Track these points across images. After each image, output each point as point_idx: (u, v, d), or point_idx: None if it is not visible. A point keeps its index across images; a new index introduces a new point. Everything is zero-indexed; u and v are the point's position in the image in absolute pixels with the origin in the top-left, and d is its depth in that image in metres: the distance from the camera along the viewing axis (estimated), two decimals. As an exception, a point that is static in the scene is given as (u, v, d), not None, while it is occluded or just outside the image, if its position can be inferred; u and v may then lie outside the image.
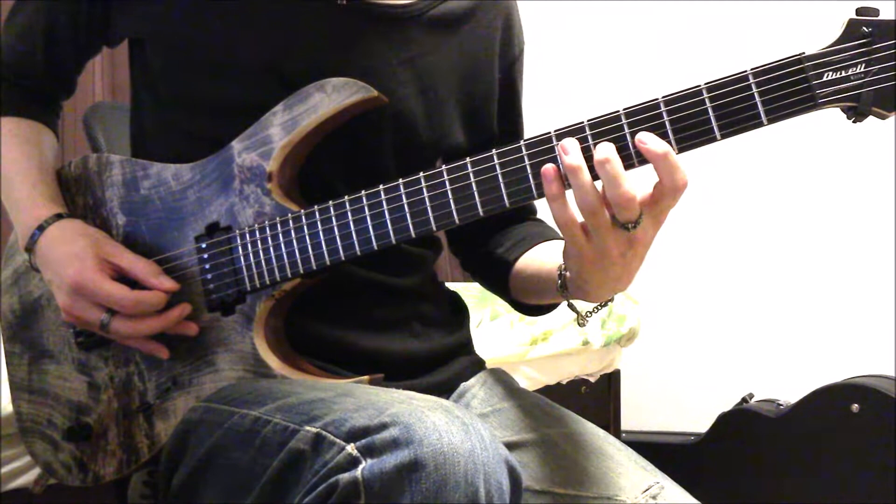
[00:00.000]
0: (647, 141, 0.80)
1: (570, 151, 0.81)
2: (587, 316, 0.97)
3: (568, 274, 0.92)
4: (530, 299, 1.09)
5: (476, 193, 0.88)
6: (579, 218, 0.83)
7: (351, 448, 0.73)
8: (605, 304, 0.95)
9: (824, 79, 0.78)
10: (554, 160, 0.85)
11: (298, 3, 0.98)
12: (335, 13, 0.99)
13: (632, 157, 0.82)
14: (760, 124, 0.80)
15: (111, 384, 1.03)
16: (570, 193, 0.83)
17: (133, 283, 0.97)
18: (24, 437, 1.10)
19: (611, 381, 2.37)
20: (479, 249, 1.15)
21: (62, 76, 1.13)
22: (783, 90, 0.79)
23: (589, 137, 0.83)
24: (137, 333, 0.97)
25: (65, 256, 0.98)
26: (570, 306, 0.96)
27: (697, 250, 2.72)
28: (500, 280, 1.11)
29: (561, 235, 1.06)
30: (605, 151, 0.80)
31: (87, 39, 1.08)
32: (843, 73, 0.78)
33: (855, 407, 2.02)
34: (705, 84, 0.81)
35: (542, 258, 1.03)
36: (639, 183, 0.82)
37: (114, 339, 0.99)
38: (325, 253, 0.94)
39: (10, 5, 1.11)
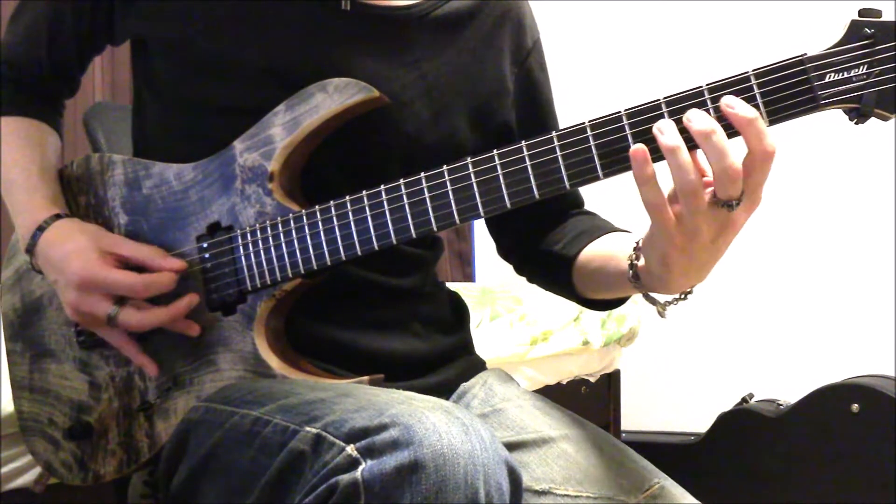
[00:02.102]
0: (736, 105, 0.78)
1: (666, 132, 0.78)
2: (666, 306, 0.92)
3: (640, 264, 0.89)
4: (598, 294, 1.05)
5: (477, 193, 0.88)
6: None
7: (351, 449, 0.73)
8: (685, 297, 0.91)
9: (826, 80, 0.78)
10: (552, 161, 0.85)
11: (301, 7, 0.98)
12: (338, 17, 0.99)
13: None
14: (762, 125, 0.80)
15: (112, 383, 1.03)
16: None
17: (137, 272, 0.97)
18: (24, 436, 1.10)
19: (611, 381, 2.37)
20: (534, 250, 1.12)
21: (66, 75, 1.13)
22: (785, 91, 0.79)
23: (591, 138, 0.83)
24: (146, 324, 0.96)
25: (67, 254, 0.98)
26: (648, 297, 0.92)
27: (698, 250, 2.71)
28: (561, 277, 1.07)
29: (618, 227, 1.05)
30: (708, 122, 0.77)
31: (91, 38, 1.08)
32: (845, 75, 0.78)
33: (855, 407, 2.02)
34: (707, 85, 0.80)
35: (609, 251, 1.00)
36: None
37: (113, 340, 0.99)
38: (326, 253, 0.94)
39: (11, 5, 1.11)
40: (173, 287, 0.97)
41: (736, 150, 0.77)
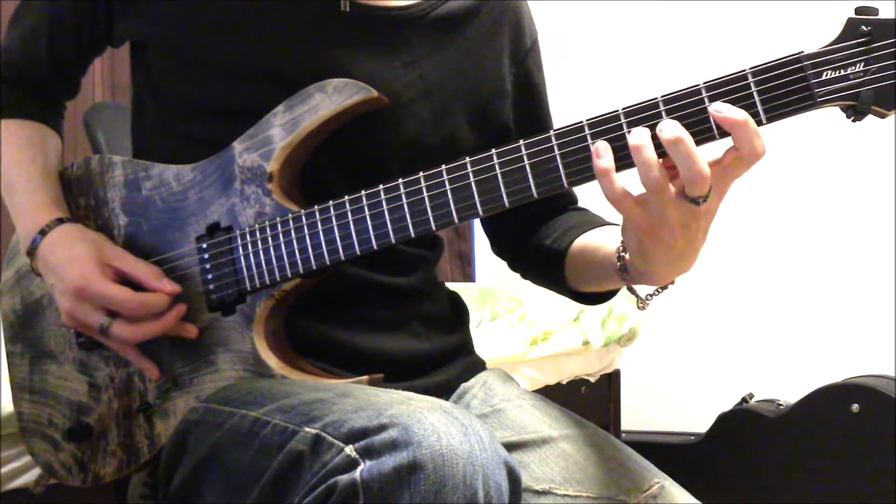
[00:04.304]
0: (724, 109, 0.78)
1: (634, 133, 0.80)
2: (647, 299, 0.93)
3: (627, 256, 0.90)
4: (588, 287, 1.06)
5: (475, 193, 0.88)
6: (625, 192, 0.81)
7: (350, 449, 0.73)
8: (666, 288, 0.92)
9: (823, 78, 0.78)
10: (550, 160, 0.85)
11: (301, 8, 0.99)
12: (337, 18, 0.99)
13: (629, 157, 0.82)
14: (759, 123, 0.79)
15: (112, 384, 1.03)
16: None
17: (134, 286, 0.97)
18: (24, 436, 1.10)
19: (611, 381, 2.37)
20: (526, 245, 1.13)
21: (66, 77, 1.13)
22: (782, 89, 0.79)
23: (588, 137, 0.83)
24: (137, 337, 0.97)
25: (66, 261, 0.98)
26: (630, 290, 0.93)
27: (697, 250, 2.71)
28: (553, 272, 1.08)
29: (608, 221, 1.05)
30: (676, 130, 0.78)
31: (91, 41, 1.08)
32: (843, 72, 0.78)
33: (855, 407, 2.02)
34: (704, 83, 0.80)
35: (598, 243, 1.01)
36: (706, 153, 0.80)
37: (112, 344, 0.99)
38: (325, 253, 0.94)
39: (10, 6, 1.11)
40: (165, 309, 0.97)
41: (704, 155, 0.78)
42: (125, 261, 0.99)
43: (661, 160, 0.79)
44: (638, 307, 0.93)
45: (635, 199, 0.81)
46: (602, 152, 0.81)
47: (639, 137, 0.79)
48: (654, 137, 0.79)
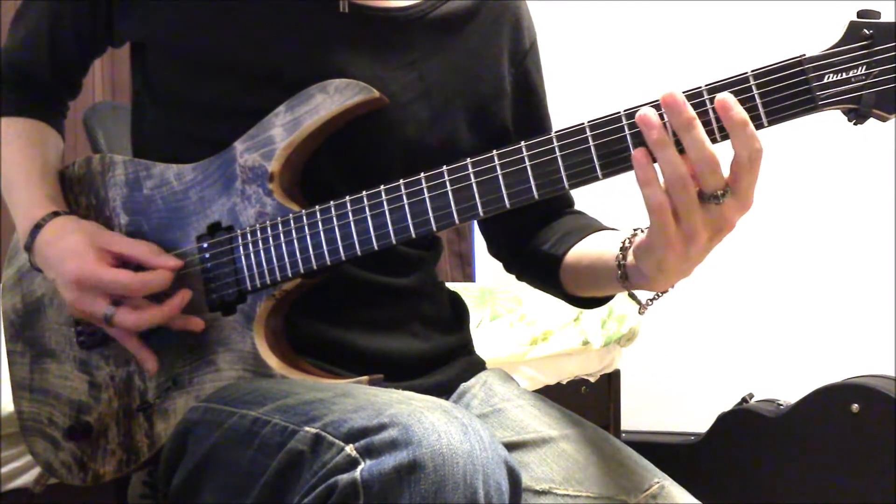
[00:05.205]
0: (732, 106, 0.78)
1: (655, 126, 0.79)
2: (648, 304, 0.94)
3: (627, 262, 0.90)
4: (585, 292, 1.06)
5: (476, 194, 0.88)
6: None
7: (350, 449, 0.74)
8: (665, 293, 0.91)
9: (825, 81, 0.78)
10: (551, 162, 0.85)
11: (300, 9, 0.99)
12: (336, 18, 0.99)
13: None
14: (761, 126, 0.79)
15: (112, 383, 1.04)
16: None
17: (134, 270, 0.97)
18: (24, 435, 1.10)
19: (611, 381, 2.37)
20: (523, 249, 1.13)
21: (67, 77, 1.14)
22: (784, 92, 0.79)
23: (590, 139, 0.83)
24: (142, 324, 0.96)
25: (63, 253, 0.98)
26: (631, 296, 0.93)
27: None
28: (550, 276, 1.08)
29: (606, 225, 1.05)
30: (689, 112, 0.78)
31: (92, 41, 1.09)
32: (844, 76, 0.78)
33: (855, 407, 2.02)
34: (705, 86, 0.80)
35: (597, 250, 1.00)
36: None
37: (116, 334, 0.99)
38: (326, 253, 0.94)
39: (11, 6, 1.11)
40: (169, 285, 0.97)
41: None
42: (120, 243, 0.99)
43: None
44: (639, 312, 0.93)
45: (672, 211, 0.80)
46: (645, 162, 0.79)
47: (660, 132, 0.78)
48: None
